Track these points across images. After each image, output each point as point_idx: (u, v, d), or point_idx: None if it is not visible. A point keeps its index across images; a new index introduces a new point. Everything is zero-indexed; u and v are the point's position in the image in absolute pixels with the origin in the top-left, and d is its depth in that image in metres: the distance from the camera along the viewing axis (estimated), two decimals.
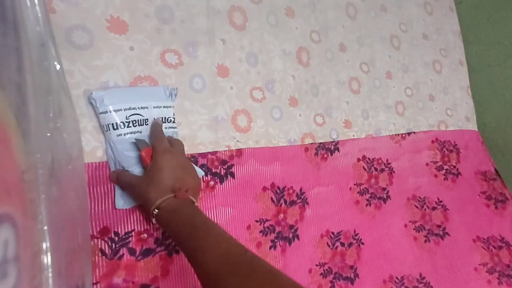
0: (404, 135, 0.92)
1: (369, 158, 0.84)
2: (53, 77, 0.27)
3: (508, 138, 1.17)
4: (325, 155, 0.76)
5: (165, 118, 0.53)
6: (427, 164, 0.96)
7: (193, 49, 0.59)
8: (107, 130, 0.47)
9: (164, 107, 0.52)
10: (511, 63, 1.15)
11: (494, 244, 0.96)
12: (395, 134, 0.91)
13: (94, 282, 0.43)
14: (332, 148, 0.77)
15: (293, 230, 0.67)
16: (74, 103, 0.44)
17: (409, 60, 0.98)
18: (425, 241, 0.87)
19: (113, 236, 0.47)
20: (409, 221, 0.87)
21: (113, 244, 0.47)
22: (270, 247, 0.63)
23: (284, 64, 0.71)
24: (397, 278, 0.79)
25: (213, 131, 0.59)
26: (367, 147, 0.84)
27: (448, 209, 0.94)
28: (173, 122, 0.54)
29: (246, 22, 0.66)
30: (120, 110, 0.47)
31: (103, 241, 0.46)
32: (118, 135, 0.47)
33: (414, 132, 0.95)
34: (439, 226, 0.91)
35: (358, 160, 0.82)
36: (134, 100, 0.49)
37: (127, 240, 0.48)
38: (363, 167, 0.83)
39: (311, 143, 0.73)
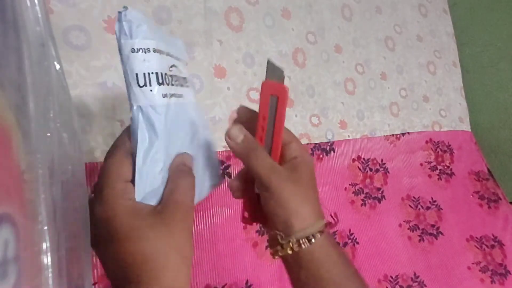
0: (398, 135, 0.93)
1: (364, 159, 0.85)
2: (53, 77, 0.27)
3: (500, 138, 1.19)
4: (321, 156, 0.76)
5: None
6: (421, 164, 0.97)
7: (191, 50, 0.59)
8: (143, 85, 0.25)
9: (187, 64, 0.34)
10: (504, 64, 1.17)
11: (487, 243, 0.97)
12: (390, 135, 0.91)
13: (93, 282, 0.43)
14: (328, 148, 0.78)
15: None
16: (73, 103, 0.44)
17: (403, 61, 0.99)
18: (419, 240, 0.88)
19: None
20: (404, 221, 0.87)
21: None
22: (267, 247, 0.64)
23: (280, 65, 0.71)
24: (391, 277, 0.79)
25: (211, 132, 0.59)
26: (362, 148, 0.85)
27: (442, 209, 0.95)
28: None
29: (243, 23, 0.66)
30: (162, 52, 0.27)
31: None
32: (164, 96, 0.26)
33: (408, 133, 0.96)
34: (433, 226, 0.92)
35: (353, 160, 0.83)
36: (168, 46, 0.28)
37: None
38: (358, 167, 0.83)
39: (307, 144, 0.74)
